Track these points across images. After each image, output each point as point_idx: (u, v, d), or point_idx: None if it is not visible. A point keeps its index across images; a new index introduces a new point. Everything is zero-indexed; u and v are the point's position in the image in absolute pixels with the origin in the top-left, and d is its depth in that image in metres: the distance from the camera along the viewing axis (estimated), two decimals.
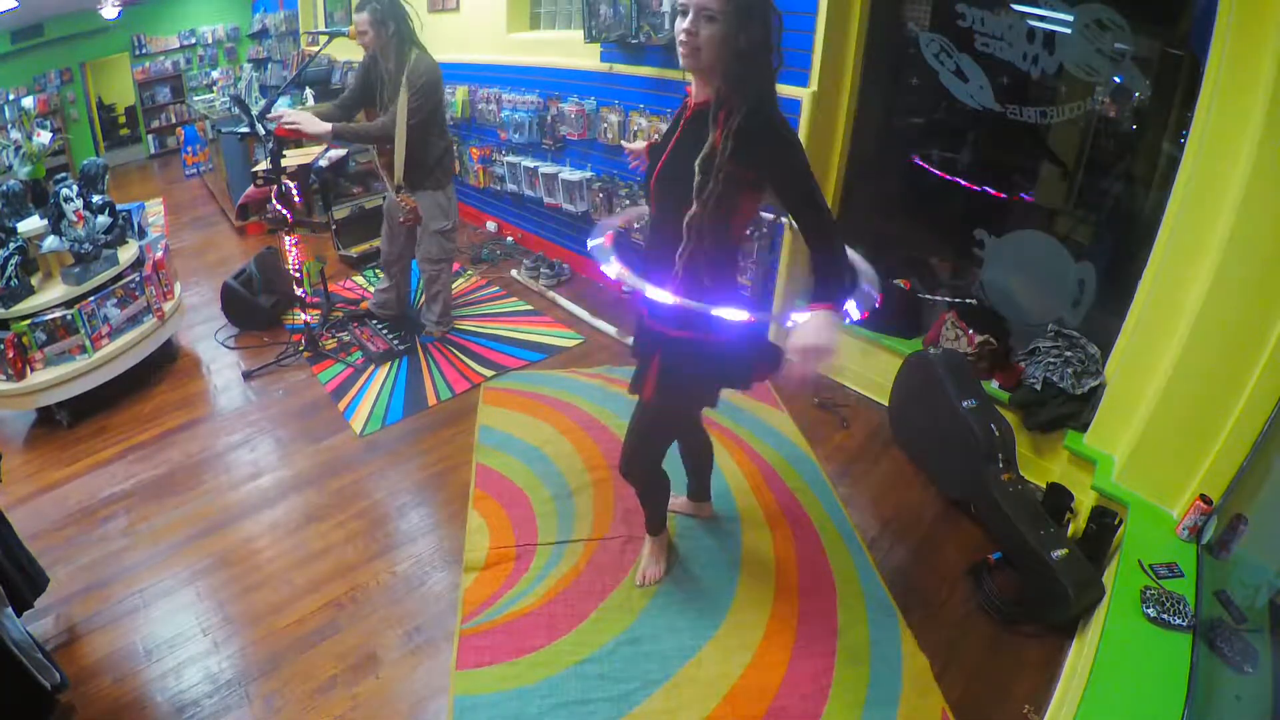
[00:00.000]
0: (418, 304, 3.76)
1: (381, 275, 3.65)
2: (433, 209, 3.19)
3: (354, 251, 4.59)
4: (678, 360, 1.61)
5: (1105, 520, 2.03)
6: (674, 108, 3.31)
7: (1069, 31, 2.25)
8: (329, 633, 1.98)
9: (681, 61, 1.41)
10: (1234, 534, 1.73)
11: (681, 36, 1.37)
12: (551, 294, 4.01)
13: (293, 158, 3.72)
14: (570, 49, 3.90)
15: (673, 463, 2.04)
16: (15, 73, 7.76)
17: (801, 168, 1.41)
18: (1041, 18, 2.30)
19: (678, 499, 2.30)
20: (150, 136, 9.31)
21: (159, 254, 3.39)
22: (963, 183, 2.78)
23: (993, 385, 2.55)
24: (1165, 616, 1.63)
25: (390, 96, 2.98)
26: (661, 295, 1.51)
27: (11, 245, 2.80)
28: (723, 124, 1.39)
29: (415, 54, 2.95)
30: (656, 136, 1.46)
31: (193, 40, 9.26)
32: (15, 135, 3.42)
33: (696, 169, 1.42)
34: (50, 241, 2.88)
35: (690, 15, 1.34)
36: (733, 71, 1.37)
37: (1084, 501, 2.17)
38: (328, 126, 2.86)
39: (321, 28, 6.72)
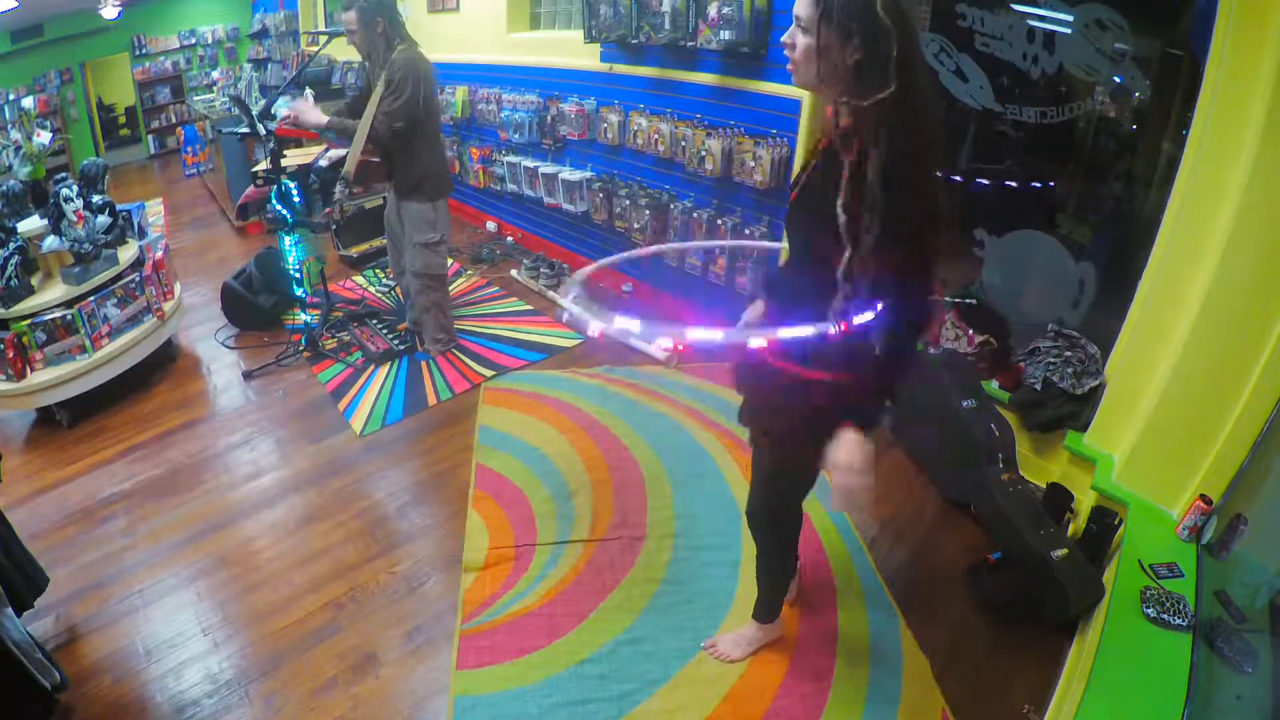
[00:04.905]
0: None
1: (385, 278, 3.63)
2: (417, 220, 3.05)
3: (354, 251, 4.59)
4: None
5: (1105, 520, 2.03)
6: (674, 108, 3.39)
7: (1069, 31, 2.25)
8: (329, 633, 1.98)
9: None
10: (1234, 534, 1.73)
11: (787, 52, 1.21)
12: (551, 294, 4.01)
13: (293, 158, 3.72)
14: (570, 49, 3.90)
15: None
16: (15, 73, 7.77)
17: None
18: (1041, 18, 2.30)
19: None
20: (150, 136, 9.33)
21: (159, 254, 3.40)
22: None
23: (993, 385, 2.55)
24: (1165, 616, 1.63)
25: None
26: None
27: (11, 245, 2.80)
28: (855, 162, 1.14)
29: (400, 50, 2.81)
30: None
31: (193, 40, 9.27)
32: (15, 135, 3.42)
33: (841, 210, 1.17)
34: (50, 241, 2.89)
35: (792, 25, 1.18)
36: (852, 93, 1.15)
37: (1084, 501, 2.17)
38: (324, 118, 2.84)
39: (321, 28, 6.73)
